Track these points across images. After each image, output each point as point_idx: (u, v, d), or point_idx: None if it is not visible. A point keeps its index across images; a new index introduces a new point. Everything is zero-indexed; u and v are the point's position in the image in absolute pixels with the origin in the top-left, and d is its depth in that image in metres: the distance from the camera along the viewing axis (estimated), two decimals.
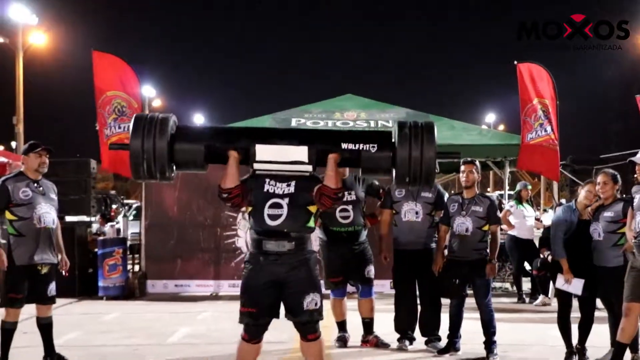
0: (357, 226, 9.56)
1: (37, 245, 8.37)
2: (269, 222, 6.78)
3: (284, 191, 6.84)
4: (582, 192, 8.93)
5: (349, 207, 9.45)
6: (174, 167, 6.97)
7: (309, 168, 6.85)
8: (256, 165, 6.86)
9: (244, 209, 7.09)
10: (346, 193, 9.28)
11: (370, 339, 9.75)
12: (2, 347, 8.22)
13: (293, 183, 6.87)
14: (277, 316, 6.96)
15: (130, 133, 6.79)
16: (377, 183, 9.78)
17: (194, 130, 7.38)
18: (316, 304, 6.84)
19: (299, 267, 6.82)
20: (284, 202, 6.80)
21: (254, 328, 6.88)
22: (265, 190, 6.85)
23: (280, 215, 6.77)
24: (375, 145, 6.76)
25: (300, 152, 6.78)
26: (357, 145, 6.76)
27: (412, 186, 6.92)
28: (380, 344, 9.68)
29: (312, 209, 6.88)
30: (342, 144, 6.79)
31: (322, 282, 9.61)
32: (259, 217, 6.83)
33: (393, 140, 6.80)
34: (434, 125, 6.79)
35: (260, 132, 7.51)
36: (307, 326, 6.89)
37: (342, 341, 9.66)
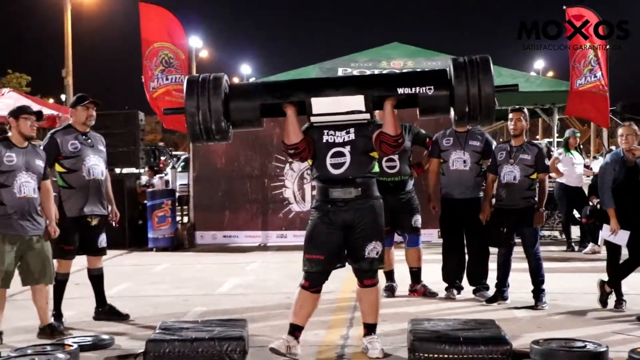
0: (404, 176, 9.53)
1: (87, 197, 8.45)
2: (332, 170, 6.80)
3: (344, 139, 6.84)
4: (618, 139, 8.87)
5: (395, 157, 9.37)
6: (231, 127, 6.95)
7: (367, 116, 6.82)
8: (313, 119, 6.84)
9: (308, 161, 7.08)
10: None
11: (418, 288, 9.76)
12: (55, 297, 8.34)
13: (352, 130, 6.86)
14: (344, 264, 7.00)
15: (184, 96, 6.79)
16: (423, 132, 9.72)
17: (248, 87, 7.38)
18: (377, 253, 6.87)
19: (366, 213, 6.85)
20: (346, 149, 6.80)
21: (317, 275, 6.90)
22: (324, 140, 6.86)
23: (343, 164, 6.78)
24: (432, 86, 6.69)
25: (357, 102, 6.72)
26: (413, 89, 6.69)
27: (472, 123, 6.84)
28: (428, 293, 9.69)
29: (374, 155, 6.89)
30: (398, 88, 6.73)
31: None
32: (322, 167, 6.85)
33: (449, 78, 6.71)
34: (489, 59, 6.71)
35: (314, 84, 7.38)
36: (366, 272, 6.93)
37: (390, 290, 9.68)
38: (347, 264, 7.04)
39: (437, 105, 6.78)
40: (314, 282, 6.94)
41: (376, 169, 6.99)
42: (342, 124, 6.87)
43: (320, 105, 6.76)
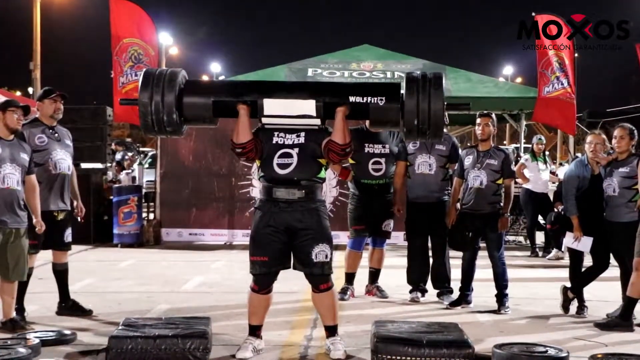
0: (388, 179, 9.61)
1: (53, 192, 8.41)
2: (278, 170, 6.82)
3: (293, 142, 6.87)
4: (585, 145, 8.95)
5: (382, 160, 9.49)
6: (184, 122, 6.99)
7: (317, 122, 6.89)
8: (264, 120, 6.91)
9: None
10: (380, 146, 9.41)
11: (371, 289, 9.85)
12: (18, 292, 8.29)
13: (303, 134, 6.90)
14: (289, 266, 7.01)
15: (139, 88, 6.84)
16: None
17: (203, 84, 7.52)
18: (326, 256, 6.86)
19: (309, 216, 6.86)
20: (294, 151, 6.83)
21: (263, 277, 6.94)
22: (274, 141, 6.89)
23: (290, 164, 6.81)
24: (384, 97, 6.77)
25: (308, 106, 6.79)
26: (365, 98, 6.77)
27: (421, 138, 6.91)
28: (378, 295, 9.78)
29: (323, 161, 6.90)
30: (350, 97, 6.79)
31: (347, 233, 9.74)
32: (269, 166, 6.87)
33: (402, 92, 6.78)
34: (442, 77, 6.78)
35: (268, 86, 7.51)
36: (319, 277, 6.93)
37: (344, 293, 9.58)
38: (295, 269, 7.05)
39: (388, 117, 6.86)
40: (262, 284, 6.97)
41: (322, 174, 6.99)
42: (293, 128, 6.93)
43: (272, 107, 6.82)
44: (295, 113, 6.82)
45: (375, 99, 6.76)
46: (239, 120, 6.81)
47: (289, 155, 6.83)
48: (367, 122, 9.14)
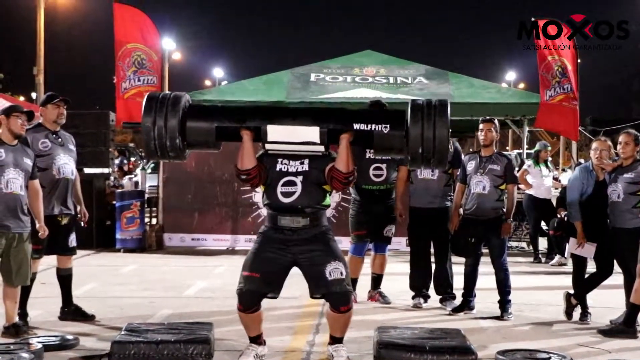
0: (389, 184, 9.61)
1: (57, 196, 8.43)
2: (282, 199, 6.78)
3: (297, 169, 6.83)
4: (591, 152, 8.95)
5: (383, 166, 9.49)
6: (187, 146, 6.93)
7: (321, 148, 6.82)
8: (268, 146, 6.87)
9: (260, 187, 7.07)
10: None
11: (374, 294, 9.84)
12: (21, 296, 8.29)
13: (307, 161, 6.86)
14: (277, 294, 6.90)
15: (142, 112, 6.78)
16: None
17: (206, 109, 7.46)
18: (341, 273, 6.72)
19: (315, 241, 6.78)
20: (298, 179, 6.79)
21: (248, 295, 6.78)
22: (278, 169, 6.84)
23: (293, 193, 6.76)
24: (388, 125, 6.71)
25: (312, 133, 6.72)
26: (369, 126, 6.71)
27: (425, 166, 6.86)
28: (381, 300, 9.77)
29: (327, 187, 6.86)
30: (354, 124, 6.74)
31: (349, 238, 9.71)
32: (273, 194, 6.82)
33: (406, 119, 6.75)
34: (447, 104, 6.72)
35: (271, 111, 7.37)
36: (339, 297, 6.74)
37: None
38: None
39: (392, 144, 6.80)
40: (245, 304, 6.81)
41: (327, 201, 6.95)
42: (297, 154, 6.88)
43: (276, 133, 6.76)
44: (299, 139, 6.75)
45: (380, 126, 6.69)
46: (242, 145, 6.74)
47: (293, 184, 6.78)
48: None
